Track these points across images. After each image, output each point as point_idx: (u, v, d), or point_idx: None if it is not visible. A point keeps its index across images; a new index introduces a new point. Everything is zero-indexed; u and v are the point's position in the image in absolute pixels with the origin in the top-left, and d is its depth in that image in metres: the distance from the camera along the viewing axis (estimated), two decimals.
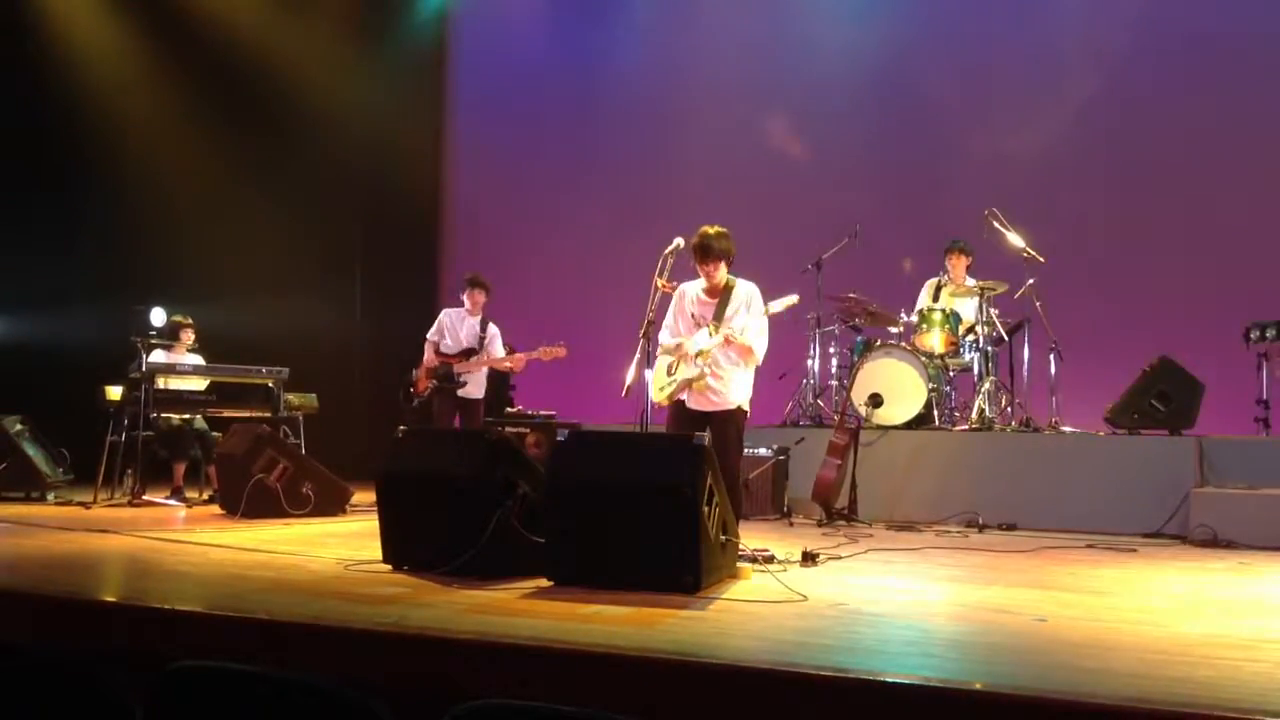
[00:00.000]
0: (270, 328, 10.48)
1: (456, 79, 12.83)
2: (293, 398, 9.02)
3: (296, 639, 3.67)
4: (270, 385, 8.78)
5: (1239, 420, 7.89)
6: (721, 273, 5.83)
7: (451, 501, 4.88)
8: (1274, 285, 8.67)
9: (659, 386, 5.89)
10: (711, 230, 5.79)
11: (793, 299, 5.89)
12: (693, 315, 5.89)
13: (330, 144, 11.53)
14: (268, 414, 8.64)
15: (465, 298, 8.53)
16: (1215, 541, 6.57)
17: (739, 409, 5.87)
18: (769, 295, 5.86)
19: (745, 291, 5.89)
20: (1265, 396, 7.76)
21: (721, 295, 5.88)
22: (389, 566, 5.05)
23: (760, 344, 5.82)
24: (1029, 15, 10.29)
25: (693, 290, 5.98)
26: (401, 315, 11.34)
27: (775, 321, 5.92)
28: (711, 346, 5.75)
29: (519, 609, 4.11)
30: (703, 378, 5.76)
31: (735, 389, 5.84)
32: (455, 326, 8.50)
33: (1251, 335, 7.81)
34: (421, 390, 8.42)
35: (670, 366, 5.89)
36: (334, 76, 11.58)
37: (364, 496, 7.29)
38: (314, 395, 9.33)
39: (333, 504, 7.66)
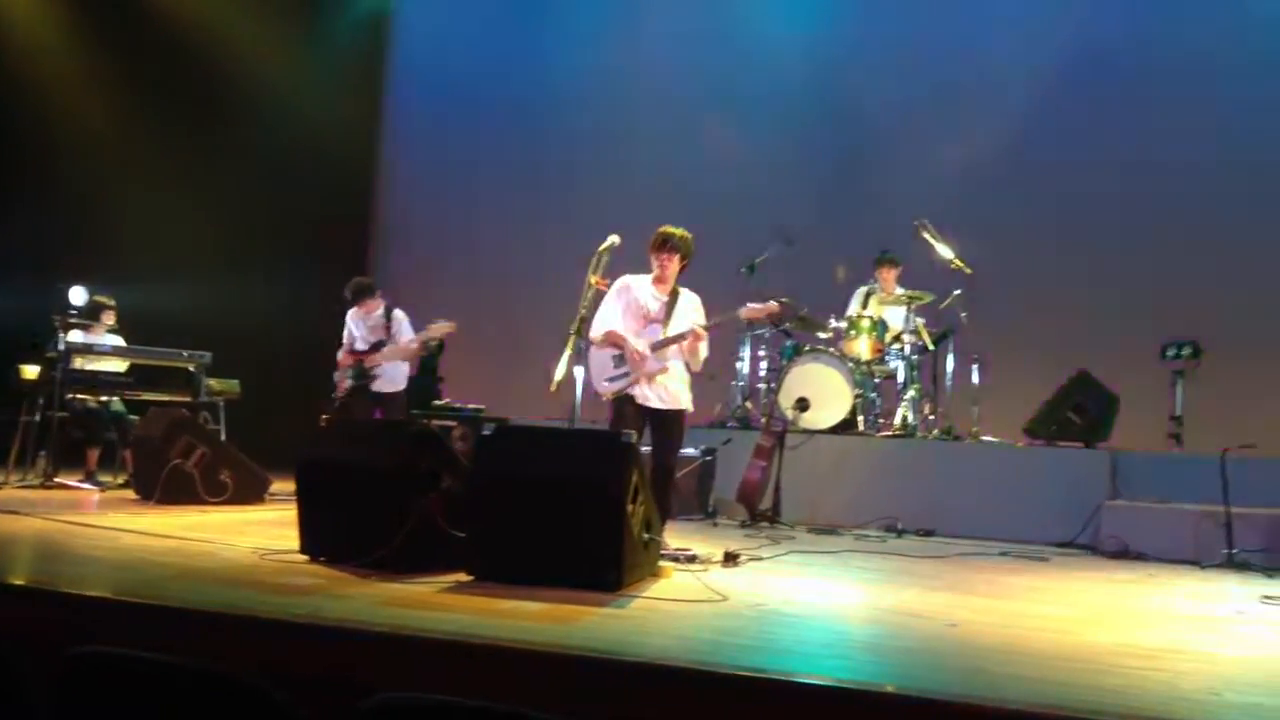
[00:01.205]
0: (194, 312, 10.26)
1: (395, 70, 12.70)
2: (214, 383, 8.84)
3: (207, 628, 3.60)
4: (191, 369, 8.60)
5: (1152, 435, 8.11)
6: (674, 269, 5.84)
7: (372, 493, 4.82)
8: (1191, 305, 8.92)
9: (605, 379, 5.85)
10: (680, 231, 5.82)
11: (773, 305, 5.99)
12: (643, 311, 5.85)
13: (263, 130, 11.32)
14: (188, 399, 8.47)
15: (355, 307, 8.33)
16: (1125, 553, 6.74)
17: (685, 411, 5.90)
18: (705, 303, 5.92)
19: (692, 299, 5.94)
20: (1178, 413, 7.98)
21: (672, 295, 5.89)
22: (306, 557, 4.97)
23: (705, 352, 5.86)
24: (965, 30, 10.46)
25: (643, 287, 5.90)
26: (329, 306, 11.16)
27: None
28: (674, 343, 5.74)
29: (437, 603, 4.08)
30: (659, 373, 5.75)
31: (686, 391, 5.87)
32: (360, 324, 8.32)
33: (1167, 353, 8.03)
34: (341, 392, 8.28)
35: (615, 360, 5.87)
36: (269, 61, 11.38)
37: (284, 486, 7.18)
38: (236, 381, 9.16)
39: (251, 492, 7.53)
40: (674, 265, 5.82)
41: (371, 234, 12.49)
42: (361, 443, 5.21)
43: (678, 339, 5.76)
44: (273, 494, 7.66)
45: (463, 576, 4.56)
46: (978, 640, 3.98)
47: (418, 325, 8.18)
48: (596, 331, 5.84)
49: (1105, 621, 4.55)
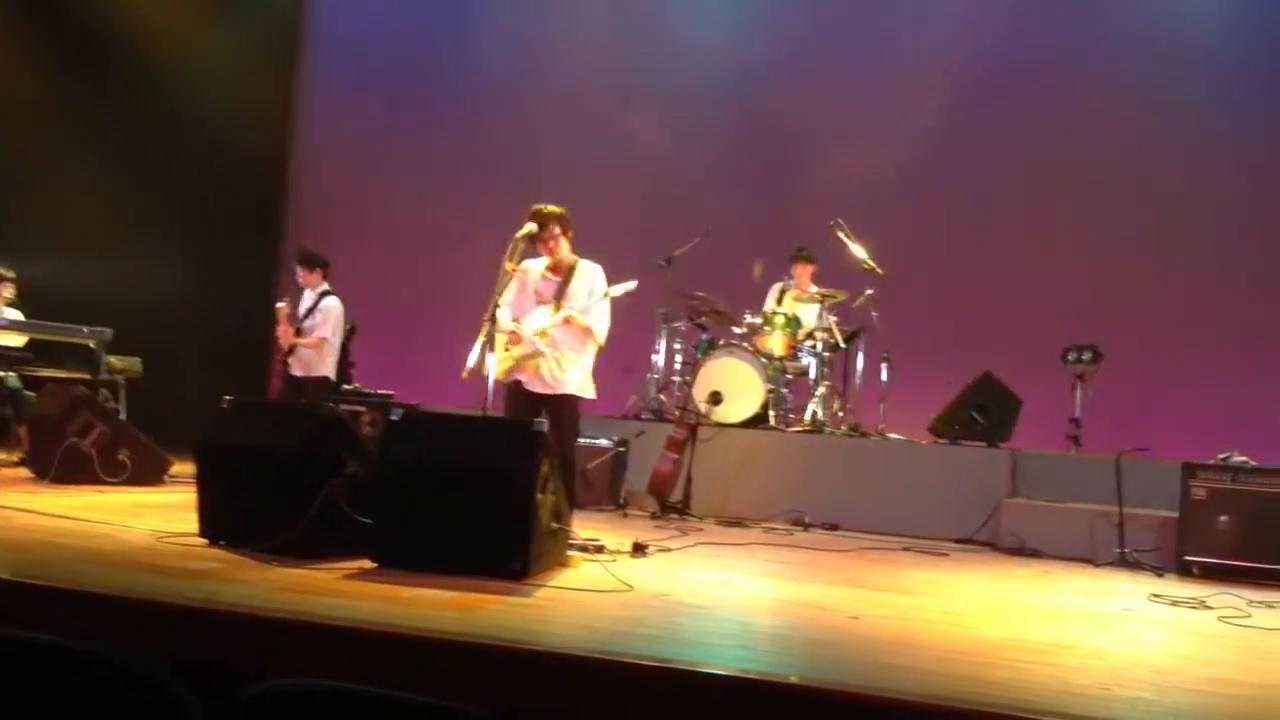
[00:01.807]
0: (97, 287, 9.94)
1: (312, 49, 12.45)
2: (115, 360, 8.60)
3: (102, 611, 3.50)
4: (92, 346, 8.35)
5: (1052, 436, 8.33)
6: (563, 249, 5.83)
7: (276, 477, 4.73)
8: (1093, 310, 9.19)
9: (499, 362, 5.85)
10: (546, 207, 5.81)
11: (631, 285, 5.91)
12: (536, 293, 5.87)
13: (175, 104, 11.00)
14: (87, 376, 8.22)
15: (299, 275, 8.23)
16: (1022, 550, 6.93)
17: (575, 396, 5.87)
18: (613, 282, 5.89)
19: (589, 272, 5.90)
20: (1078, 415, 8.21)
21: (565, 275, 5.88)
22: (205, 541, 4.86)
23: (600, 326, 5.83)
24: (881, 32, 10.61)
25: (536, 268, 5.95)
26: (239, 286, 10.95)
27: (624, 315, 5.97)
28: (550, 326, 5.74)
29: (338, 590, 4.02)
30: (538, 356, 5.74)
31: (573, 374, 5.83)
32: (297, 303, 8.22)
33: (1069, 357, 8.26)
34: (276, 372, 8.15)
35: (508, 343, 5.85)
36: (180, 34, 11.06)
37: (185, 468, 7.01)
38: (138, 359, 8.92)
39: (150, 473, 7.35)
40: (561, 247, 5.81)
41: (283, 214, 12.24)
42: (266, 426, 5.10)
43: (550, 328, 5.76)
44: (173, 476, 7.48)
45: (367, 563, 4.51)
46: (876, 633, 4.06)
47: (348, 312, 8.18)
48: (501, 318, 5.85)
49: (999, 616, 4.67)
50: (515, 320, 5.86)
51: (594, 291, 5.85)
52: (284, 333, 8.08)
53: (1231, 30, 9.62)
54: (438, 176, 11.47)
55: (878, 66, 10.49)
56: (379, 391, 9.00)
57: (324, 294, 8.17)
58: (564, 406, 5.82)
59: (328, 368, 8.22)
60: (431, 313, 10.07)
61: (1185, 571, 6.34)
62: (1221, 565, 6.26)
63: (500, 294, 5.61)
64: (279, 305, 8.16)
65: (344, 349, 8.63)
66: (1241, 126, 9.34)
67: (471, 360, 5.48)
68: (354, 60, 12.16)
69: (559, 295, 5.83)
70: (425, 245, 11.29)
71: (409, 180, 11.57)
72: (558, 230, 5.79)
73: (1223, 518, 6.34)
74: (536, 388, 5.79)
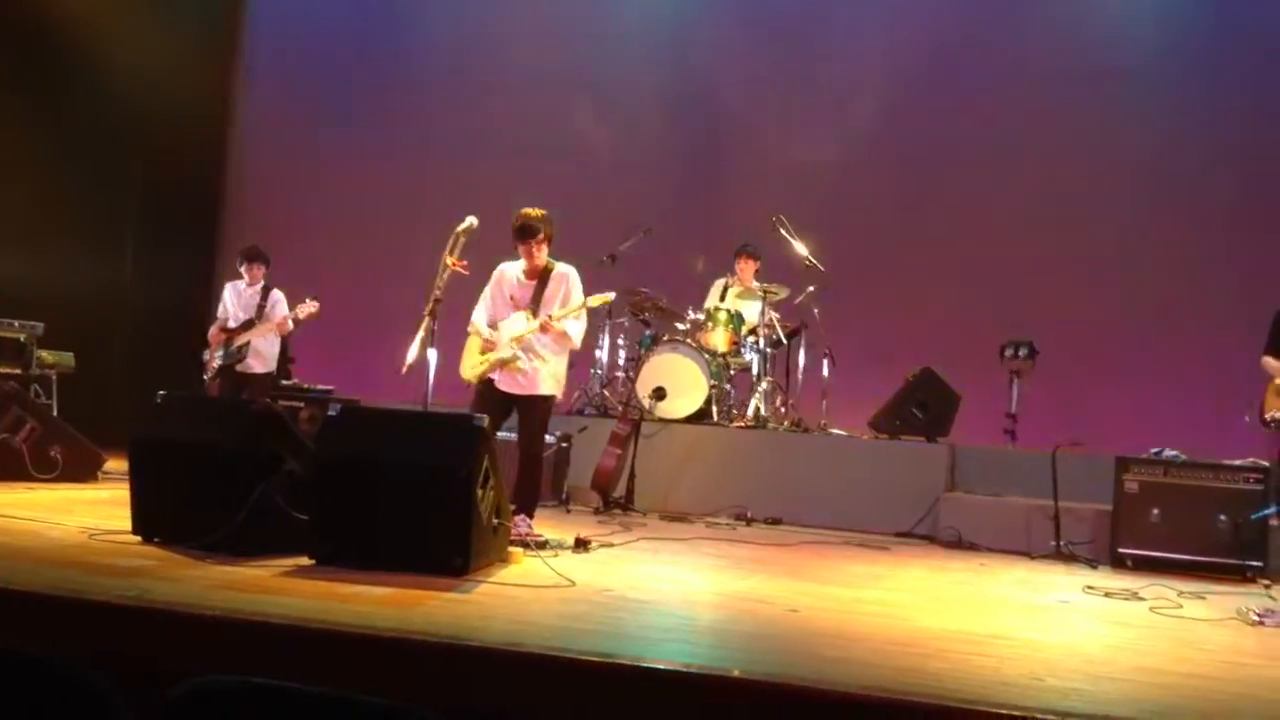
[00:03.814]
0: (28, 281, 9.71)
1: (252, 41, 12.23)
2: (46, 355, 8.43)
3: (30, 609, 3.43)
4: (22, 340, 8.18)
5: (990, 431, 8.44)
6: (543, 254, 5.83)
7: (210, 473, 4.66)
8: (1029, 307, 9.31)
9: (470, 365, 5.87)
10: (534, 212, 5.78)
11: (609, 296, 6.00)
12: (511, 297, 5.87)
13: (108, 94, 10.74)
14: (18, 371, 8.06)
15: (242, 271, 8.12)
16: (960, 543, 7.02)
17: (547, 396, 5.87)
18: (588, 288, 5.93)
19: (564, 275, 5.91)
20: (1014, 410, 8.33)
21: (540, 278, 5.88)
22: (138, 538, 4.78)
23: (577, 330, 5.88)
24: (826, 29, 10.67)
25: (512, 271, 5.95)
26: (174, 278, 10.76)
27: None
28: (528, 332, 5.75)
29: (274, 587, 3.97)
30: (516, 360, 5.73)
31: (546, 375, 5.84)
32: (236, 300, 8.10)
33: (1006, 353, 8.37)
34: (210, 369, 8.01)
35: (483, 347, 5.86)
36: (113, 20, 10.81)
37: (118, 464, 6.87)
38: (71, 354, 8.74)
39: (83, 470, 7.21)
40: (541, 253, 5.81)
41: (221, 207, 12.03)
42: (201, 422, 5.02)
43: (526, 333, 5.76)
44: (106, 472, 7.35)
45: (304, 561, 4.46)
46: (815, 625, 4.09)
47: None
48: (477, 320, 5.92)
49: (937, 608, 4.73)
50: (492, 327, 5.88)
51: (570, 296, 5.87)
52: (218, 336, 7.98)
53: (1169, 29, 9.80)
54: (378, 169, 11.34)
55: (821, 62, 10.54)
56: (318, 387, 8.89)
57: (267, 288, 8.08)
58: (536, 406, 5.83)
59: (274, 362, 8.15)
60: (372, 307, 9.96)
61: (1119, 564, 6.45)
62: (1154, 557, 6.38)
63: (440, 289, 5.56)
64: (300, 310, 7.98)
65: (283, 344, 8.53)
66: (1176, 126, 9.51)
67: (411, 355, 5.44)
68: (293, 51, 11.98)
69: (535, 300, 5.84)
70: (366, 238, 11.16)
71: (348, 173, 11.42)
72: (543, 237, 5.78)
73: (1155, 511, 6.47)
74: (509, 387, 5.78)
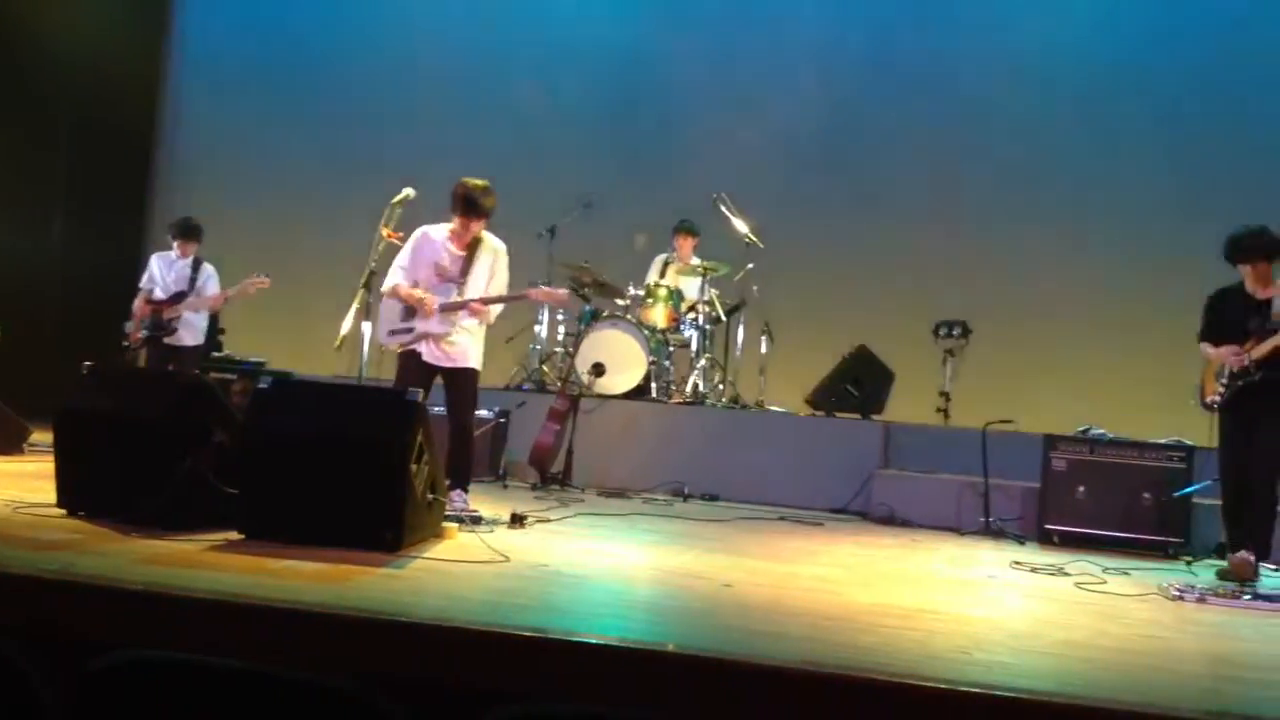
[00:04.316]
0: None
1: (183, 7, 11.95)
2: None
3: None
4: None
5: (923, 409, 8.56)
6: (479, 224, 5.73)
7: (138, 446, 4.57)
8: (962, 288, 9.46)
9: (389, 330, 5.73)
10: (479, 184, 5.66)
11: (562, 293, 6.02)
12: (437, 265, 5.74)
13: (40, 59, 10.43)
14: None
15: (174, 245, 7.93)
16: (892, 519, 7.12)
17: (474, 369, 5.82)
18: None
19: (493, 250, 5.81)
20: (947, 389, 8.45)
21: (469, 249, 5.76)
22: (63, 511, 4.68)
23: (498, 309, 5.83)
24: (768, 7, 10.67)
25: (439, 237, 5.78)
26: (104, 247, 10.51)
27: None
28: (454, 311, 5.67)
29: (202, 561, 3.91)
30: (447, 336, 5.66)
31: (473, 346, 5.78)
32: (164, 271, 7.91)
33: (939, 332, 8.48)
34: (134, 341, 7.83)
35: (404, 313, 5.73)
36: None
37: (44, 436, 6.72)
38: None
39: (7, 441, 7.05)
40: (477, 225, 5.72)
41: (152, 176, 11.75)
42: (129, 393, 4.92)
43: (460, 306, 5.67)
44: (32, 444, 7.18)
45: (234, 535, 4.39)
46: (749, 600, 4.12)
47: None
48: (387, 283, 5.73)
49: (868, 583, 4.79)
50: (416, 285, 5.72)
51: (497, 274, 5.79)
52: (145, 308, 7.81)
53: (1103, 19, 9.95)
54: (311, 137, 11.15)
55: (763, 40, 10.54)
56: (250, 359, 8.75)
57: (197, 261, 7.90)
58: (465, 379, 5.77)
59: (203, 335, 8.00)
60: (304, 279, 9.79)
61: (1046, 539, 6.58)
62: (1079, 533, 6.52)
63: (375, 261, 5.48)
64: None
65: (213, 315, 8.37)
66: (1107, 113, 9.67)
67: (345, 328, 5.37)
68: (225, 18, 11.71)
69: (464, 272, 5.73)
70: (299, 208, 10.97)
71: (282, 141, 11.21)
72: (482, 214, 5.67)
73: (1081, 488, 6.60)
74: (435, 359, 5.70)
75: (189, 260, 7.87)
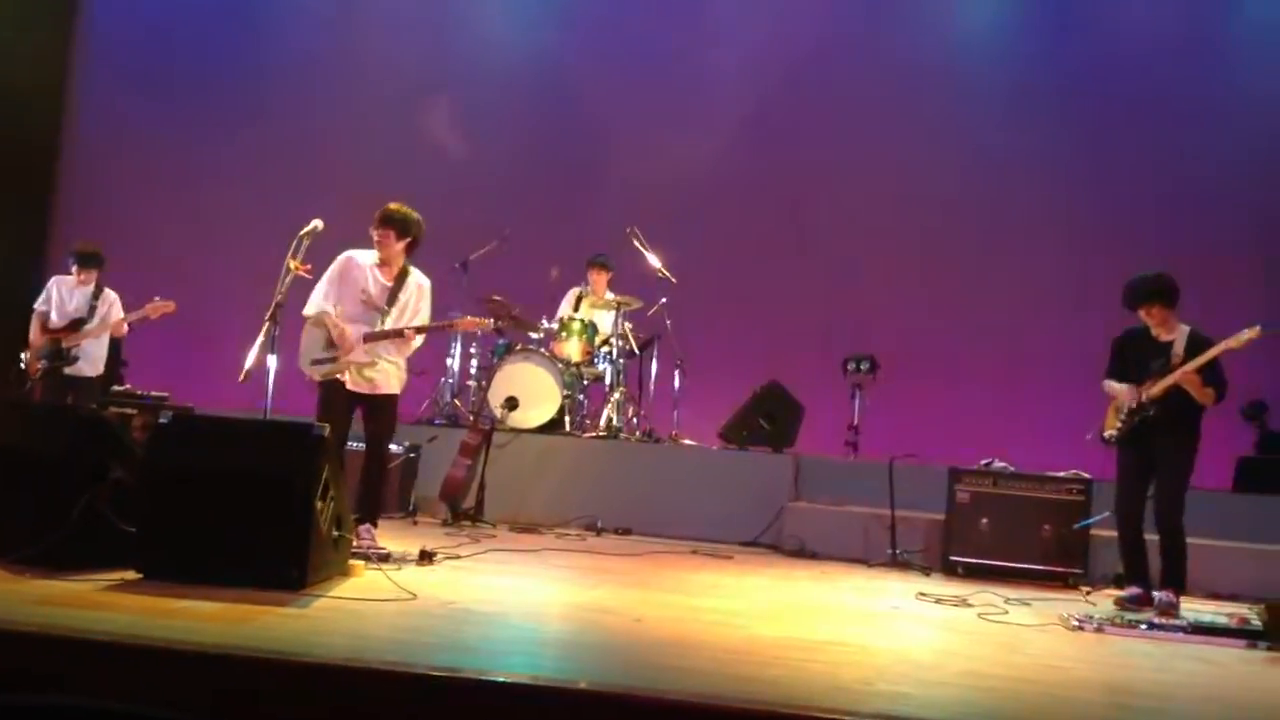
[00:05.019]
0: None
1: (89, 27, 11.70)
2: None
3: None
4: None
5: (833, 442, 8.69)
6: (394, 248, 5.74)
7: (31, 482, 4.43)
8: (871, 323, 9.66)
9: (311, 360, 5.71)
10: (412, 212, 5.80)
11: (487, 322, 6.06)
12: (364, 292, 5.72)
13: None
14: None
15: (74, 271, 7.71)
16: (802, 551, 7.19)
17: (395, 396, 5.82)
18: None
19: (421, 286, 5.87)
20: (856, 422, 8.60)
21: (397, 280, 5.78)
22: None
23: (418, 341, 5.87)
24: (682, 44, 10.82)
25: (365, 263, 5.80)
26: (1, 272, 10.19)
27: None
28: (383, 341, 5.67)
29: (98, 602, 3.79)
30: (373, 365, 5.63)
31: (394, 375, 5.79)
32: (64, 297, 7.68)
33: (849, 366, 8.64)
34: (34, 373, 7.57)
35: (327, 342, 5.70)
36: None
37: None
38: None
39: None
40: (392, 243, 5.72)
41: (51, 199, 11.44)
42: (22, 427, 4.77)
43: (387, 335, 5.68)
44: None
45: (131, 574, 4.27)
46: (658, 634, 4.13)
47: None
48: (310, 308, 5.74)
49: (777, 616, 4.83)
50: (337, 307, 5.72)
51: (420, 309, 5.85)
52: (40, 338, 7.59)
53: (1016, 45, 10.31)
54: (220, 164, 10.95)
55: (677, 76, 10.69)
56: (152, 393, 8.52)
57: (99, 288, 7.71)
58: (385, 409, 5.79)
59: (103, 365, 7.79)
60: (211, 310, 9.60)
61: (950, 571, 6.71)
62: (983, 565, 6.66)
63: (283, 293, 5.41)
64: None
65: (114, 347, 8.15)
66: (1019, 149, 9.99)
67: (250, 361, 5.27)
68: (133, 45, 11.49)
69: (390, 302, 5.76)
70: (206, 236, 10.75)
71: (189, 168, 10.99)
72: (411, 240, 5.78)
73: (984, 520, 6.75)
74: (360, 388, 5.69)
75: (90, 287, 7.67)
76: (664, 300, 8.81)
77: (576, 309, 9.03)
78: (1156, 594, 5.63)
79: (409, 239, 5.76)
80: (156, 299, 7.59)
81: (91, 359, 7.66)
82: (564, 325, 8.73)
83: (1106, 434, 5.93)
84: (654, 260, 8.83)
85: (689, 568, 6.30)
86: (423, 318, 5.87)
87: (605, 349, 8.81)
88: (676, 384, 8.86)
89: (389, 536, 5.98)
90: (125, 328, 7.74)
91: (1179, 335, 5.76)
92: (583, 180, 10.62)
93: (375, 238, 5.75)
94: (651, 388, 9.03)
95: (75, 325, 7.60)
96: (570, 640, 4.08)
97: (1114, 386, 5.94)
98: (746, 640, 4.10)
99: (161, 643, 3.11)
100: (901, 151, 10.23)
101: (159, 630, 3.32)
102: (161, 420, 4.51)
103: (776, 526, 7.48)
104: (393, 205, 5.80)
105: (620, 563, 6.23)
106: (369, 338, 5.68)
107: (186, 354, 9.75)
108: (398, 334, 5.71)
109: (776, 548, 7.36)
